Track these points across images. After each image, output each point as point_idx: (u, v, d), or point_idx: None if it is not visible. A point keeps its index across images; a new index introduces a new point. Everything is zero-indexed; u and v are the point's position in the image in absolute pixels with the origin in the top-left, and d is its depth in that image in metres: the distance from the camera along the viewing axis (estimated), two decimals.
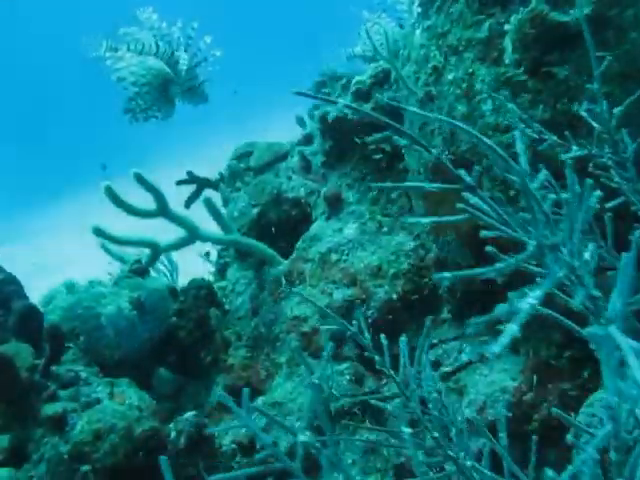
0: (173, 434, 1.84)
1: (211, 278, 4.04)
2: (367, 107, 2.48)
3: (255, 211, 3.21)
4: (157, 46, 2.53)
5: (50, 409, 1.68)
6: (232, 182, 3.65)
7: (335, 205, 2.54)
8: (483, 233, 0.82)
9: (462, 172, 0.81)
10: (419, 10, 1.79)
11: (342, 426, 1.78)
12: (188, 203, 4.13)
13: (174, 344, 2.62)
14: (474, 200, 0.80)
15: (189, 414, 1.88)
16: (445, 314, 2.04)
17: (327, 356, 1.83)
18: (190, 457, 1.85)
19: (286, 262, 2.67)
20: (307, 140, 3.51)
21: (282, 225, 3.22)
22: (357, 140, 2.48)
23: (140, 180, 2.46)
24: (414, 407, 1.68)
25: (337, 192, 2.55)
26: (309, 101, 4.92)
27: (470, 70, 1.57)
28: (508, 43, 1.45)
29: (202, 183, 4.35)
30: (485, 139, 0.77)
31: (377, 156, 2.46)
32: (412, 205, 2.38)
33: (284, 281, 2.57)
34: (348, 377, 1.83)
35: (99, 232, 2.54)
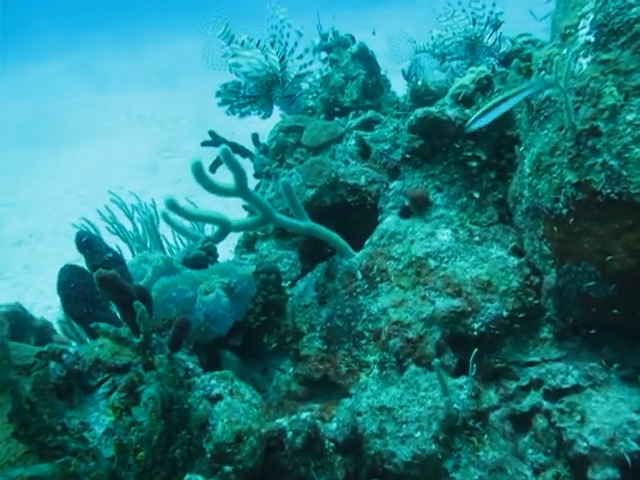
0: (290, 434, 1.83)
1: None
2: (469, 112, 2.46)
3: (311, 193, 3.15)
4: (272, 45, 2.45)
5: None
6: (278, 156, 3.54)
7: (421, 206, 2.53)
8: None
9: None
10: (591, 39, 1.78)
11: (463, 441, 1.83)
12: (213, 167, 3.97)
13: (241, 328, 2.57)
14: None
15: (306, 414, 1.87)
16: (545, 334, 2.10)
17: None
18: (304, 457, 1.85)
19: (359, 255, 2.64)
20: (365, 124, 3.44)
21: (335, 211, 3.19)
22: (456, 145, 2.46)
23: (227, 157, 2.36)
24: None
25: (424, 192, 2.54)
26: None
27: None
28: None
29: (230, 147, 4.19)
30: None
31: (473, 163, 2.46)
32: (505, 217, 2.41)
33: (360, 275, 2.55)
34: (467, 392, 1.87)
35: (173, 205, 2.42)
